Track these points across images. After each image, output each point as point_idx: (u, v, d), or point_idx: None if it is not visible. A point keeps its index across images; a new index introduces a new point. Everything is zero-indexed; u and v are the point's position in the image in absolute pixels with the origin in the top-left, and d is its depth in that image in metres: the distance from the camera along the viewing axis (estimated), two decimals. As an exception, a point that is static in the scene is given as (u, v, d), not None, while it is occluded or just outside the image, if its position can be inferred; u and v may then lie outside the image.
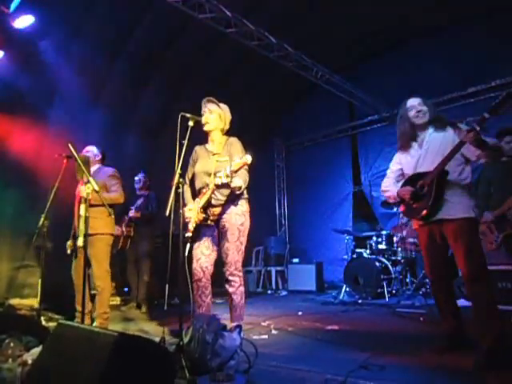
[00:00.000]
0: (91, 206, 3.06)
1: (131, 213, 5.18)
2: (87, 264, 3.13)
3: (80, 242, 3.07)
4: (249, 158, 2.42)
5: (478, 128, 2.27)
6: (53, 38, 4.66)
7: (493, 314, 2.34)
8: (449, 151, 2.44)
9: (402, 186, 2.72)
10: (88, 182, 3.00)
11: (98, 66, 5.51)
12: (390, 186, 2.87)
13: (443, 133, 2.60)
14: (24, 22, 4.13)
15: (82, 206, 2.97)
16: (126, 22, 5.36)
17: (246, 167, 2.72)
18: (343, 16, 6.28)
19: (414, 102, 2.70)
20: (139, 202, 5.31)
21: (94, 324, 3.51)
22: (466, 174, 2.53)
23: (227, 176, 2.49)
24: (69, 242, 3.59)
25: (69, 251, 3.56)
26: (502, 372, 2.11)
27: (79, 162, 2.99)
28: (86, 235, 2.94)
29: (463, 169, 2.53)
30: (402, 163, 2.81)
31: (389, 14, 6.24)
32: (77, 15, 4.88)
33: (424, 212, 2.54)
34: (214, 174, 2.82)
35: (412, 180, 2.67)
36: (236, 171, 2.50)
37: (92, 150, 3.81)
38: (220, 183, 2.54)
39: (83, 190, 2.99)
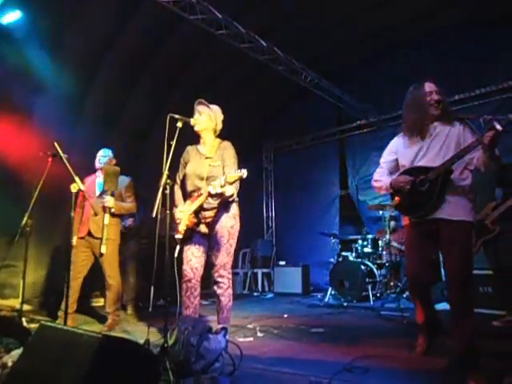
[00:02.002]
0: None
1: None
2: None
3: (103, 249, 3.70)
4: (244, 173, 2.45)
5: (500, 129, 2.01)
6: (40, 33, 4.58)
7: (470, 315, 2.26)
8: (454, 147, 2.29)
9: None
10: (113, 194, 3.75)
11: (86, 64, 5.43)
12: (382, 177, 2.61)
13: (449, 127, 2.36)
14: (10, 17, 4.06)
15: (107, 216, 3.72)
16: (116, 20, 5.31)
17: None
18: (333, 21, 6.34)
19: (432, 88, 2.37)
20: (129, 221, 5.14)
21: (107, 323, 3.82)
22: (466, 174, 2.35)
23: (221, 186, 2.54)
24: (75, 241, 3.74)
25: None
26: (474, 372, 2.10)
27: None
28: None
29: (464, 167, 2.34)
30: (397, 153, 2.56)
31: (379, 20, 6.32)
32: (65, 11, 4.81)
33: (423, 212, 2.35)
34: (207, 179, 2.87)
35: (409, 173, 2.43)
36: (231, 183, 2.53)
37: (109, 155, 4.04)
38: (214, 192, 2.58)
39: (109, 201, 3.70)
